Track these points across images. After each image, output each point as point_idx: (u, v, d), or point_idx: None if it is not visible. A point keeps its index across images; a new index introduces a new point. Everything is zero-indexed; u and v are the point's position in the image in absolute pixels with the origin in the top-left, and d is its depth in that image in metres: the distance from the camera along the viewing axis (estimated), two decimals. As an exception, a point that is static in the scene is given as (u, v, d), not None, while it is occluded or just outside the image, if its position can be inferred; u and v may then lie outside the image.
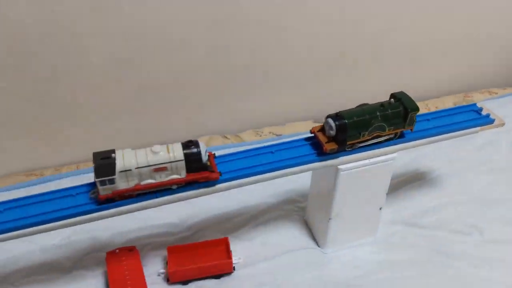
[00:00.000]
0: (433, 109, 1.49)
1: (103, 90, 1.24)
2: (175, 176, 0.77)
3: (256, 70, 1.35)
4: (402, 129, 0.88)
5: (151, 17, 1.16)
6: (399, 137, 0.89)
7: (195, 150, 0.77)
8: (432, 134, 0.94)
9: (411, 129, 0.89)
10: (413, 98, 1.57)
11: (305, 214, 1.10)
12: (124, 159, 0.74)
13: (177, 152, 0.76)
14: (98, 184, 0.74)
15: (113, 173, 0.73)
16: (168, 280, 0.95)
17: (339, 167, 0.88)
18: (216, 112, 1.40)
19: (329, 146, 0.83)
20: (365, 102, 0.88)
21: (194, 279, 0.96)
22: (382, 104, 0.85)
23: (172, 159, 0.75)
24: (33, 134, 1.26)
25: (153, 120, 1.35)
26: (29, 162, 1.31)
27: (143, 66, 1.23)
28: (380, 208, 0.99)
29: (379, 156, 0.90)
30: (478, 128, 0.98)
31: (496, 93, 1.55)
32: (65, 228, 0.80)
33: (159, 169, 0.75)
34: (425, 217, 1.09)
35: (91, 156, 1.33)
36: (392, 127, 0.86)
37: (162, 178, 0.77)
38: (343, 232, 0.99)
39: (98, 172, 0.73)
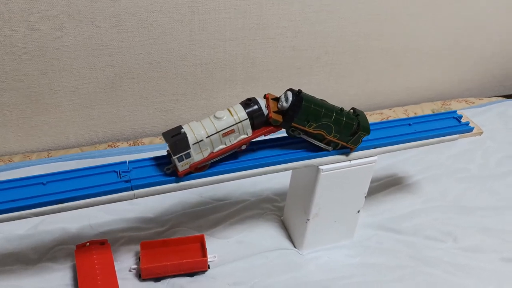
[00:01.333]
0: (412, 115, 1.50)
1: (77, 76, 1.20)
2: (243, 136, 0.80)
3: (238, 65, 1.33)
4: (345, 143, 0.85)
5: (130, 3, 1.13)
6: (340, 149, 0.86)
7: (256, 107, 0.79)
8: (413, 139, 0.94)
9: (351, 148, 0.87)
10: (392, 102, 1.61)
11: (282, 214, 1.08)
12: (194, 132, 0.76)
13: (240, 113, 0.78)
14: (176, 161, 0.76)
15: (188, 147, 0.75)
16: (140, 276, 0.92)
17: (320, 167, 0.87)
18: (195, 105, 1.37)
19: (276, 116, 0.80)
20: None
21: (167, 276, 0.93)
22: (341, 109, 0.83)
23: (237, 120, 0.78)
24: (2, 118, 1.21)
25: (129, 109, 1.31)
26: (-4, 147, 1.25)
27: (119, 54, 1.20)
28: (358, 211, 0.99)
29: (360, 158, 0.90)
30: (457, 136, 0.98)
31: (473, 103, 1.57)
32: (33, 218, 0.76)
33: (228, 133, 0.78)
34: (401, 222, 1.09)
35: (63, 144, 1.31)
36: (338, 135, 0.84)
37: (232, 141, 0.79)
38: (321, 234, 0.98)
39: (174, 149, 0.75)
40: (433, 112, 1.53)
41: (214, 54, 1.28)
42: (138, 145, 1.30)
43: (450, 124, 0.98)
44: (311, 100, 0.80)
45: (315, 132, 0.82)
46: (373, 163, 0.90)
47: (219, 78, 1.34)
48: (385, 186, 1.20)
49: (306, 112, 0.79)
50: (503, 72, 1.72)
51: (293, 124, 0.80)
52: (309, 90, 1.46)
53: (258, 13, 1.25)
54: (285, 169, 0.86)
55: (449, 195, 1.18)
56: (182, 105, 1.36)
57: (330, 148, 0.86)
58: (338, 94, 1.51)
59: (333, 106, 0.83)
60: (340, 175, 0.89)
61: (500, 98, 1.61)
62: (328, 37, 1.37)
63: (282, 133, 0.85)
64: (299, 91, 0.80)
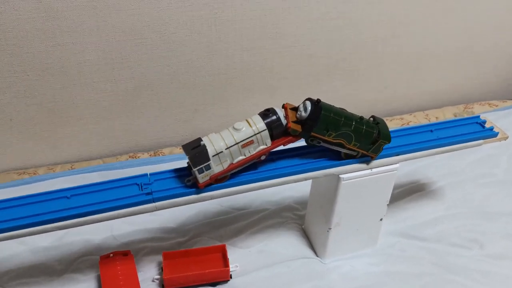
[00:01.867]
0: (433, 120, 1.48)
1: (98, 89, 1.22)
2: (262, 147, 0.80)
3: (255, 74, 1.34)
4: (365, 152, 0.85)
5: (148, 17, 1.14)
6: (361, 157, 0.86)
7: (274, 117, 0.79)
8: (435, 145, 0.93)
9: (372, 157, 0.86)
10: (413, 107, 1.59)
11: (303, 223, 1.08)
12: (213, 144, 0.77)
13: (259, 124, 0.78)
14: (196, 173, 0.77)
15: (208, 159, 0.76)
16: (163, 286, 0.93)
17: (341, 176, 0.87)
18: (214, 114, 1.38)
19: (294, 126, 0.79)
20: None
21: (190, 286, 0.93)
22: (361, 117, 0.83)
23: (256, 131, 0.78)
24: (27, 132, 1.24)
25: (149, 121, 1.33)
26: (22, 160, 1.28)
27: (139, 66, 1.21)
28: (381, 219, 0.98)
29: (381, 166, 0.89)
30: (481, 141, 0.96)
31: (496, 106, 1.54)
32: (58, 231, 0.78)
33: (247, 144, 0.78)
34: (425, 229, 1.07)
35: (85, 156, 1.34)
36: (358, 144, 0.83)
37: (251, 151, 0.79)
38: (343, 242, 0.98)
39: (194, 161, 0.76)
40: (455, 116, 1.50)
41: (231, 64, 1.29)
42: (159, 155, 1.32)
43: (474, 130, 0.96)
44: (330, 109, 0.80)
45: (334, 141, 0.82)
46: (395, 171, 0.89)
47: (237, 88, 1.35)
48: (407, 192, 1.18)
49: (325, 121, 0.79)
50: (526, 73, 1.68)
51: (313, 133, 0.80)
52: (327, 97, 1.45)
53: (274, 22, 1.25)
54: (305, 179, 0.86)
55: (473, 201, 1.16)
56: (201, 115, 1.37)
57: (355, 154, 0.85)
58: (357, 100, 1.50)
59: (352, 114, 0.83)
60: (361, 183, 0.89)
61: (524, 100, 1.58)
62: (345, 43, 1.36)
63: (301, 142, 0.84)
64: (318, 100, 0.79)
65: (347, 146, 0.83)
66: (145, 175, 0.82)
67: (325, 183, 0.92)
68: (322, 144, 0.83)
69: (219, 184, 0.81)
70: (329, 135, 0.81)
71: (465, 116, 1.48)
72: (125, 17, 1.13)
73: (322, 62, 1.38)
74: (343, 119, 0.80)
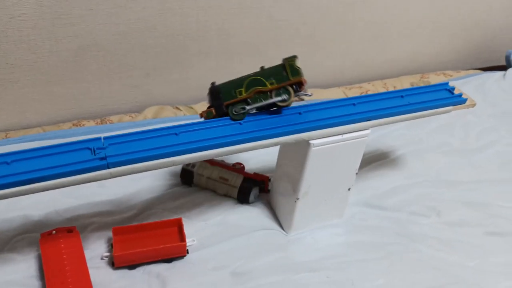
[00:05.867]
0: (391, 89, 1.47)
1: (36, 48, 1.10)
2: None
3: (212, 36, 1.25)
4: (288, 82, 0.82)
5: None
6: (296, 91, 0.83)
7: None
8: (406, 111, 0.90)
9: (303, 82, 0.83)
10: (371, 76, 1.57)
11: (268, 194, 1.03)
12: None
13: None
14: None
15: None
16: (113, 264, 0.85)
17: (311, 142, 0.82)
18: (166, 80, 1.29)
19: (207, 111, 0.82)
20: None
21: (143, 263, 0.87)
22: (262, 67, 0.84)
23: None
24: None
25: (95, 85, 1.22)
26: None
27: (82, 24, 1.10)
28: (349, 189, 0.95)
29: (353, 131, 0.85)
30: (451, 108, 0.95)
31: (451, 76, 1.56)
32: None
33: None
34: (386, 199, 1.06)
35: (23, 124, 1.21)
36: (274, 81, 0.82)
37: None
38: (310, 213, 0.94)
39: None
40: (412, 85, 1.50)
41: (186, 24, 1.20)
42: (106, 123, 1.22)
43: (443, 96, 0.95)
44: (226, 83, 0.82)
45: (251, 95, 0.81)
46: (365, 137, 0.87)
47: (192, 51, 1.26)
48: (368, 162, 1.16)
49: (225, 89, 0.81)
50: (479, 45, 1.71)
51: (225, 103, 0.81)
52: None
53: (233, -20, 1.17)
54: (276, 144, 0.81)
55: (431, 170, 1.16)
56: (153, 80, 1.27)
57: (286, 96, 0.83)
58: (317, 67, 1.46)
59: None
60: (332, 150, 0.85)
61: (477, 71, 1.60)
62: (306, 7, 1.31)
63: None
64: (213, 83, 0.83)
65: (266, 90, 0.81)
66: (99, 138, 0.74)
67: (294, 150, 0.88)
68: (252, 107, 0.81)
69: (188, 148, 0.75)
70: (240, 93, 0.81)
71: (421, 85, 1.48)
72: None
73: (283, 26, 1.32)
74: (240, 77, 0.82)
